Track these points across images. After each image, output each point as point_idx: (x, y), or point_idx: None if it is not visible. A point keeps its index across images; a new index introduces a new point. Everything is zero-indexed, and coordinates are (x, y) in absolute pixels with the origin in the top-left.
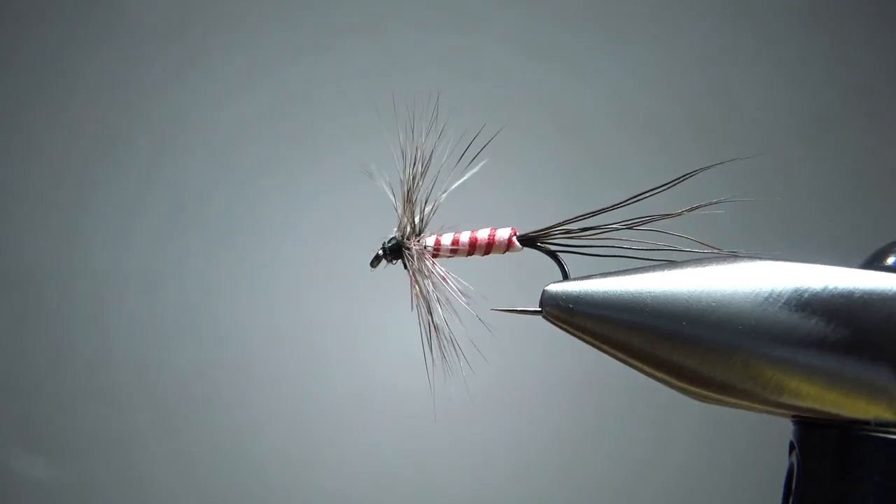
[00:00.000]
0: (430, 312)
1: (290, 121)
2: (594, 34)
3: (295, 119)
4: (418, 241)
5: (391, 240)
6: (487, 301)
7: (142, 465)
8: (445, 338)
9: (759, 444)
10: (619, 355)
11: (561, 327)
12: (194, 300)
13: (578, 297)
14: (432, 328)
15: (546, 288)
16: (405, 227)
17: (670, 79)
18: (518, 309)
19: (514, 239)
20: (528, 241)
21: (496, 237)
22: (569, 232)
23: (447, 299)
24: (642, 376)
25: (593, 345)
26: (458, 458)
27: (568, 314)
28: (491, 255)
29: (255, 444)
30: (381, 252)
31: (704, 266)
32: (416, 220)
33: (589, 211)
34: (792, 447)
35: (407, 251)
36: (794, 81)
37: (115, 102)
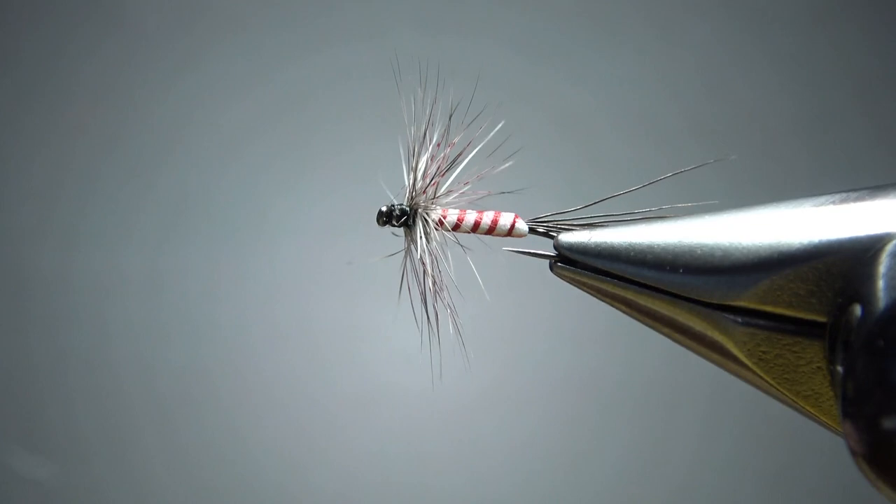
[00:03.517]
0: (426, 285)
1: (290, 121)
2: (594, 34)
3: (295, 119)
4: (426, 210)
5: (401, 204)
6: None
7: (142, 465)
8: (439, 313)
9: (762, 442)
10: (628, 308)
11: (571, 277)
12: (194, 300)
13: (595, 247)
14: (428, 303)
15: (559, 237)
16: (415, 196)
17: (670, 79)
18: (531, 252)
19: (518, 223)
20: (533, 226)
21: (499, 220)
22: (572, 222)
23: (446, 274)
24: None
25: (601, 296)
26: (459, 459)
27: (583, 256)
28: (492, 241)
29: (255, 444)
30: (387, 208)
31: (722, 216)
32: (427, 191)
33: (590, 212)
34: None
35: (415, 217)
36: (794, 81)
37: (115, 102)
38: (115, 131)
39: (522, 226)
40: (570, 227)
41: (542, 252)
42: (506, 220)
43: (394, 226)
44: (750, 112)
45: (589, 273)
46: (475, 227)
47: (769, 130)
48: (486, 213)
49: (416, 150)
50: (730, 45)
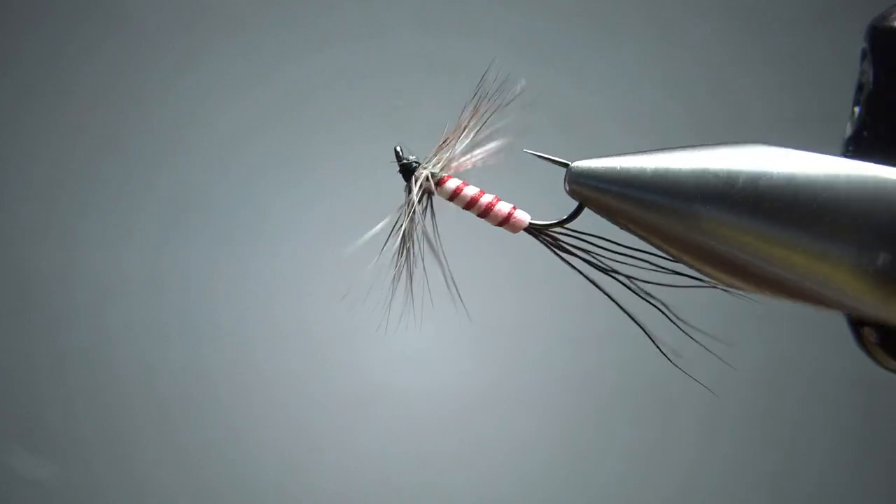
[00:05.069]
0: (408, 247)
1: (291, 121)
2: (594, 34)
3: (296, 119)
4: (433, 171)
5: (413, 160)
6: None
7: (142, 465)
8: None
9: (761, 443)
10: (644, 233)
11: (587, 191)
12: (194, 300)
13: (607, 174)
14: (406, 264)
15: (573, 163)
16: (440, 162)
17: (670, 78)
18: (549, 157)
19: (517, 214)
20: (539, 232)
21: (496, 205)
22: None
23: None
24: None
25: (621, 209)
26: (459, 459)
27: (595, 191)
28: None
29: (255, 444)
30: (401, 150)
31: (738, 149)
32: (444, 156)
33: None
34: (863, 55)
35: (419, 174)
36: (794, 81)
37: (115, 102)
38: (115, 131)
39: (521, 217)
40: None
41: (560, 160)
42: (503, 207)
43: (403, 164)
44: (750, 112)
45: (606, 183)
46: (471, 203)
47: (769, 130)
48: (486, 194)
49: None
50: (730, 45)
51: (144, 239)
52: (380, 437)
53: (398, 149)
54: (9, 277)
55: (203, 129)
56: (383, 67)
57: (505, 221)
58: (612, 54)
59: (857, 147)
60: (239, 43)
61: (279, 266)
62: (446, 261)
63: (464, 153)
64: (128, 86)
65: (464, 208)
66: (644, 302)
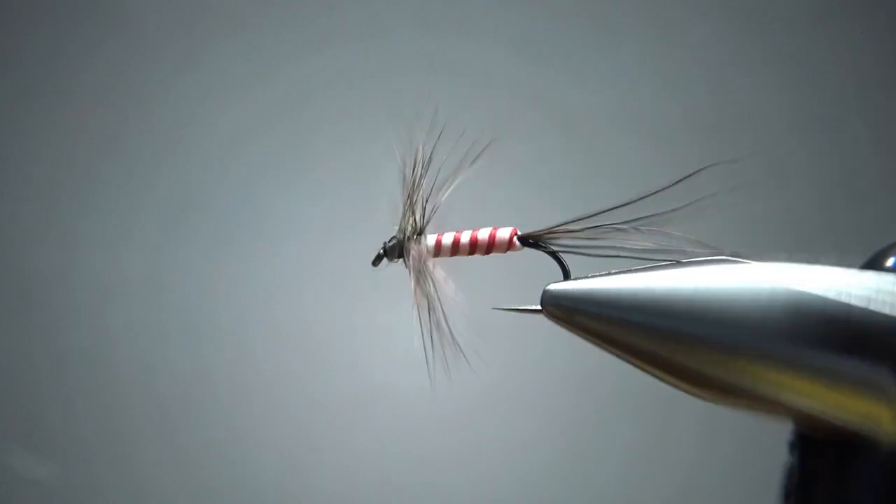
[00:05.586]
0: (430, 312)
1: (290, 121)
2: (594, 34)
3: (295, 119)
4: (419, 240)
5: (392, 239)
6: (488, 303)
7: (142, 465)
8: (446, 337)
9: (762, 443)
10: (622, 355)
11: (563, 326)
12: (195, 300)
13: (579, 296)
14: (433, 327)
15: (547, 287)
16: (406, 227)
17: (670, 79)
18: (519, 308)
19: (515, 239)
20: (529, 240)
21: (497, 237)
22: (570, 232)
23: (447, 300)
24: (643, 377)
25: (596, 343)
26: (459, 459)
27: (569, 313)
28: (493, 255)
29: (255, 444)
30: (382, 251)
31: (705, 266)
32: (417, 219)
33: (590, 211)
34: (792, 447)
35: (408, 250)
36: (794, 81)
37: (115, 102)
38: (115, 131)
39: (503, 235)
40: (557, 250)
41: (532, 307)
42: (483, 233)
43: (392, 261)
44: (750, 112)
45: (584, 312)
46: (472, 248)
47: (769, 130)
48: (481, 231)
49: (407, 187)
50: (730, 45)
51: (144, 239)
52: (380, 437)
53: (381, 251)
54: (9, 277)
55: (203, 129)
56: (383, 67)
57: (509, 246)
58: (612, 54)
59: None
60: (239, 43)
61: (279, 266)
62: (447, 261)
63: (432, 206)
64: (128, 86)
65: (451, 255)
66: None
